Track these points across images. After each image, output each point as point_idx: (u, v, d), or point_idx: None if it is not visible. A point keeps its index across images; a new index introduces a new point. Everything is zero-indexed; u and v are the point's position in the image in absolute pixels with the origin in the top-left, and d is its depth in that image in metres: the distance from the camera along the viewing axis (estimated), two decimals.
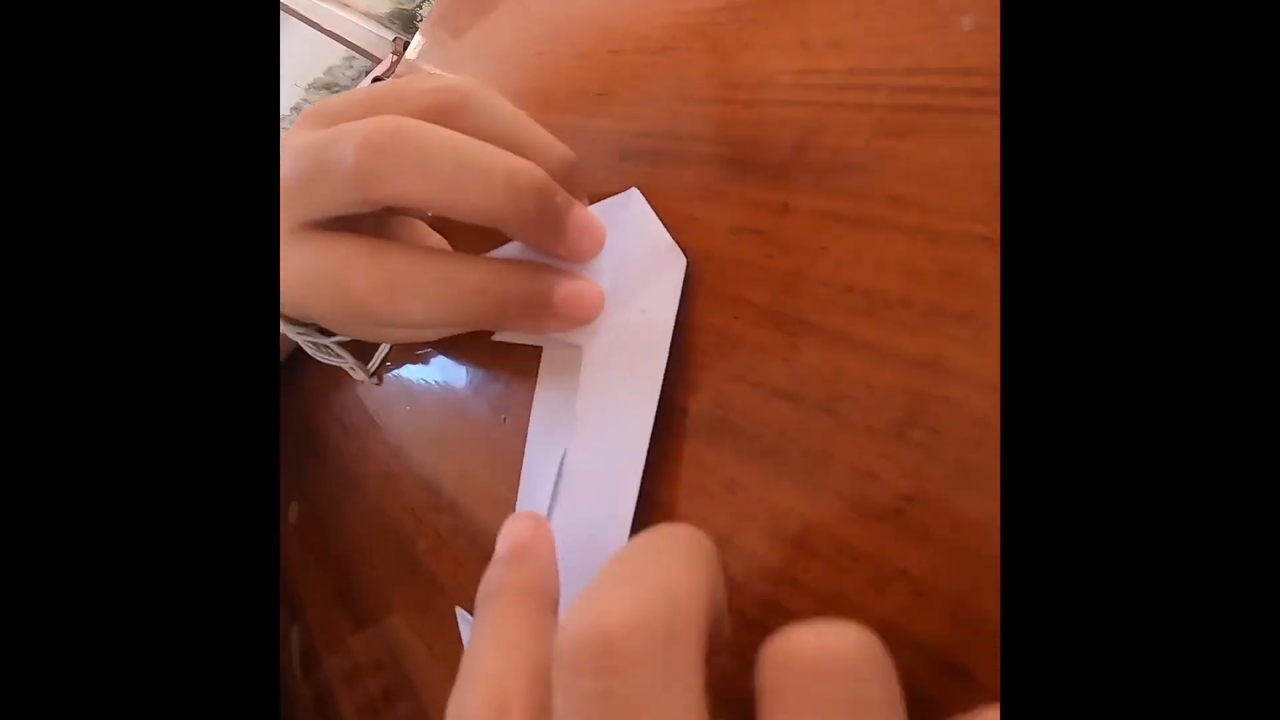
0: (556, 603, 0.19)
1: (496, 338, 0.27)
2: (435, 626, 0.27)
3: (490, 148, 0.22)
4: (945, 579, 0.15)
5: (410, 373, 0.33)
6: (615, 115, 0.28)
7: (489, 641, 0.17)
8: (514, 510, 0.24)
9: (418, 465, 0.31)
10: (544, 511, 0.23)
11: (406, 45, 0.54)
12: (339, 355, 0.34)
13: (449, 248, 0.29)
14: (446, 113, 0.24)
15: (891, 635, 0.15)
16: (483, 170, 0.21)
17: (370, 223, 0.26)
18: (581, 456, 0.22)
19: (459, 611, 0.26)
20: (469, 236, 0.26)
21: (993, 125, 0.17)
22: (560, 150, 0.25)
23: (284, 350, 0.38)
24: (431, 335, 0.28)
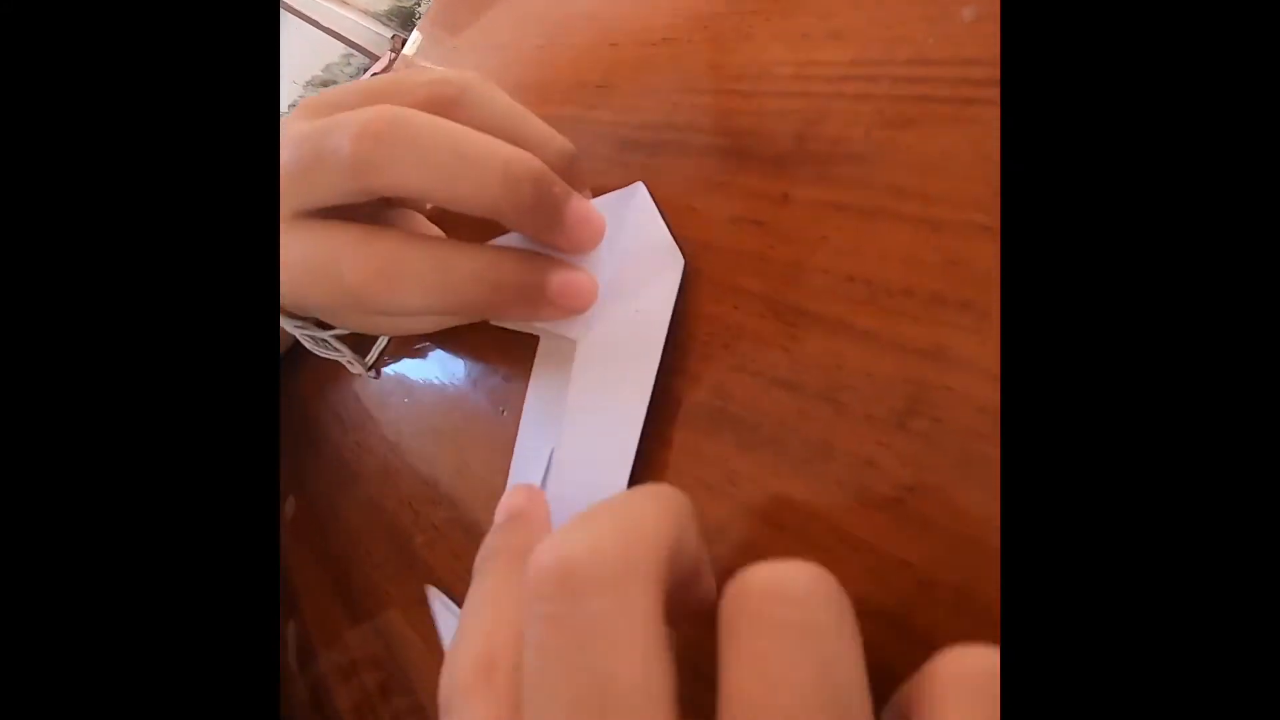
0: None
1: (494, 322, 0.27)
2: (432, 621, 0.27)
3: (488, 138, 0.22)
4: (947, 569, 0.15)
5: (408, 366, 0.33)
6: (615, 107, 0.28)
7: (482, 602, 0.17)
8: None
9: (415, 458, 0.31)
10: None
11: (404, 42, 0.54)
12: (336, 349, 0.34)
13: (445, 237, 0.29)
14: (444, 104, 0.24)
15: (893, 626, 0.15)
16: (479, 160, 0.21)
17: (366, 213, 0.26)
18: (571, 451, 0.22)
19: (429, 590, 0.26)
20: (467, 229, 0.26)
21: (993, 115, 0.17)
22: (559, 142, 0.25)
23: (282, 344, 0.38)
24: (428, 325, 0.28)
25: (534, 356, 0.26)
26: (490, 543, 0.19)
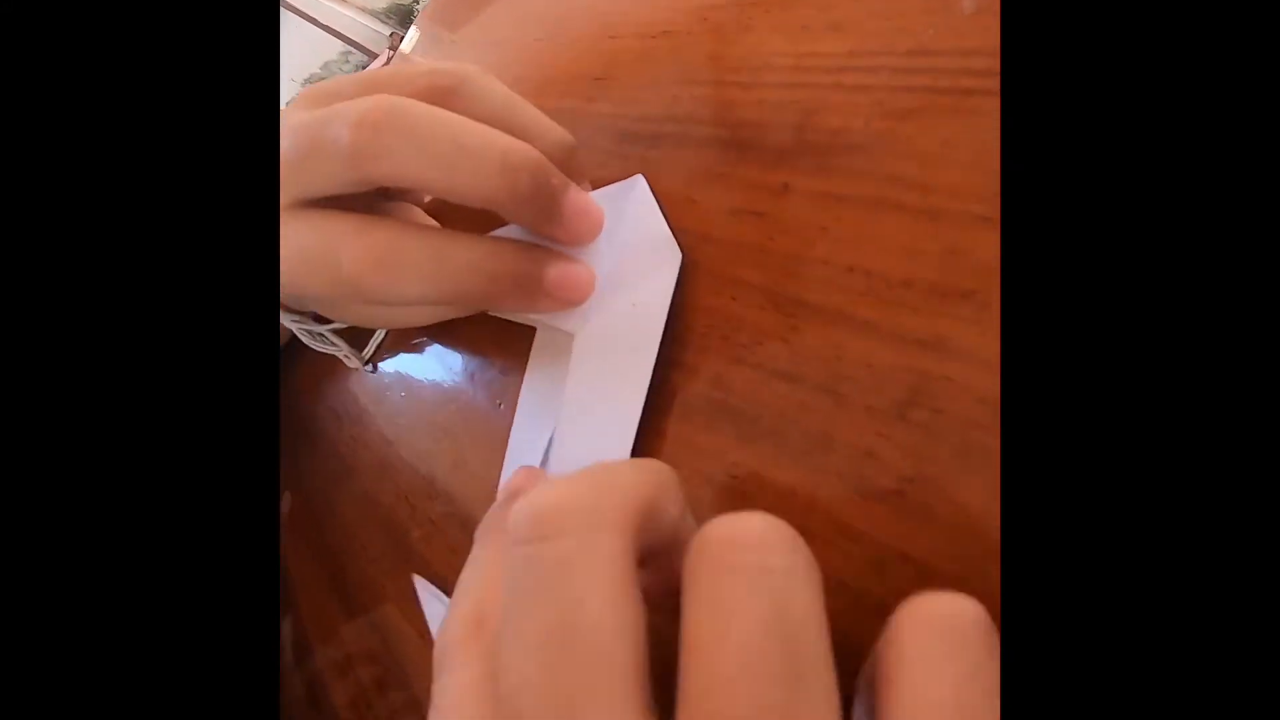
0: None
1: (492, 313, 0.27)
2: None
3: (486, 128, 0.22)
4: (947, 561, 0.15)
5: (405, 360, 0.33)
6: (614, 100, 0.28)
7: (476, 569, 0.18)
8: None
9: (412, 453, 0.30)
10: None
11: (403, 40, 0.54)
12: (333, 343, 0.34)
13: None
14: (442, 94, 0.24)
15: None
16: (478, 150, 0.21)
17: (364, 204, 0.26)
18: (568, 443, 0.22)
19: (416, 579, 0.26)
20: (465, 222, 0.26)
21: (993, 106, 0.17)
22: (558, 133, 0.25)
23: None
24: (425, 317, 0.28)
25: (530, 350, 0.26)
26: (489, 517, 0.20)
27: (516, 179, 0.21)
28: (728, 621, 0.12)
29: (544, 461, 0.23)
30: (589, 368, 0.22)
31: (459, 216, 0.27)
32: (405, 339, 0.33)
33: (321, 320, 0.34)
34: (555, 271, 0.22)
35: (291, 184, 0.23)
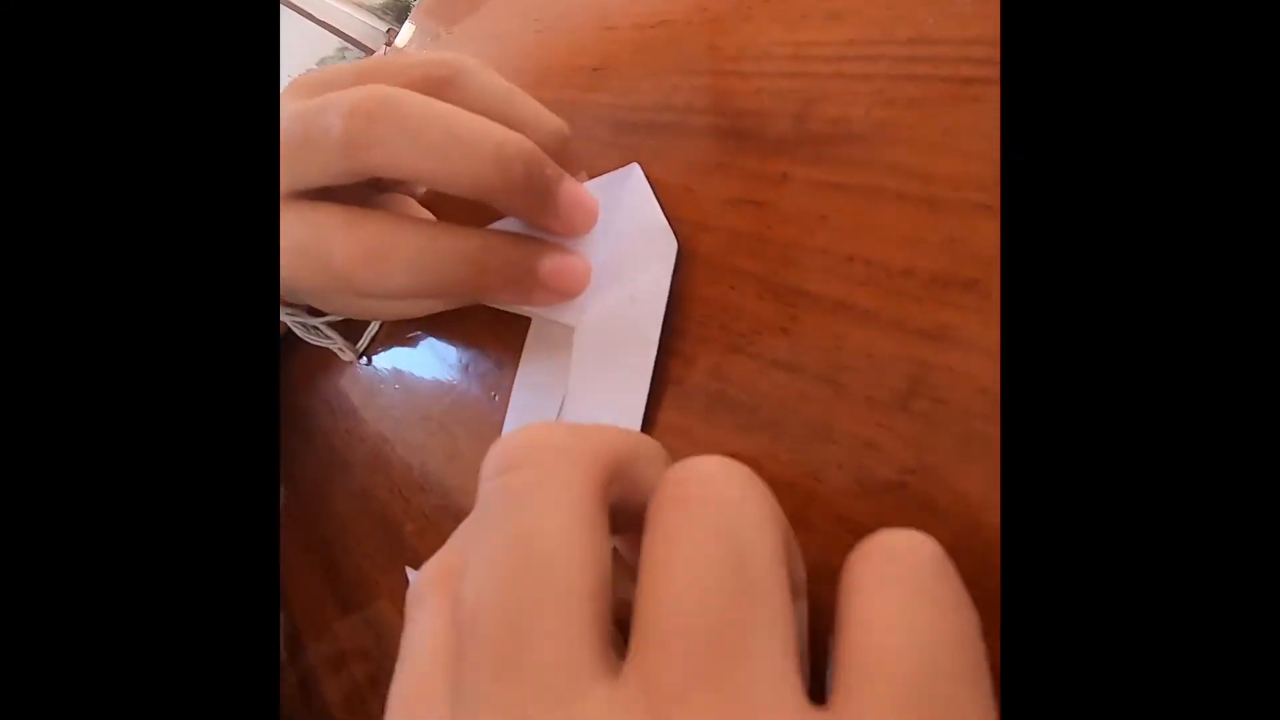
0: None
1: (489, 305, 0.26)
2: None
3: (480, 119, 0.22)
4: (949, 552, 0.15)
5: (399, 353, 0.33)
6: (612, 90, 0.27)
7: (459, 531, 0.17)
8: None
9: (406, 446, 0.30)
10: None
11: (398, 35, 0.53)
12: (328, 336, 0.33)
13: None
14: (437, 84, 0.23)
15: None
16: (471, 140, 0.21)
17: (357, 196, 0.26)
18: None
19: (410, 572, 0.26)
20: (461, 215, 0.26)
21: (994, 95, 0.17)
22: (553, 123, 0.25)
23: None
24: (419, 309, 0.28)
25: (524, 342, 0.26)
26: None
27: (510, 169, 0.21)
28: (677, 545, 0.12)
29: None
30: (591, 361, 0.22)
31: (454, 209, 0.27)
32: (399, 332, 0.33)
33: (315, 313, 0.33)
34: (549, 263, 0.22)
35: (284, 174, 0.23)
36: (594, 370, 0.22)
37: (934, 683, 0.11)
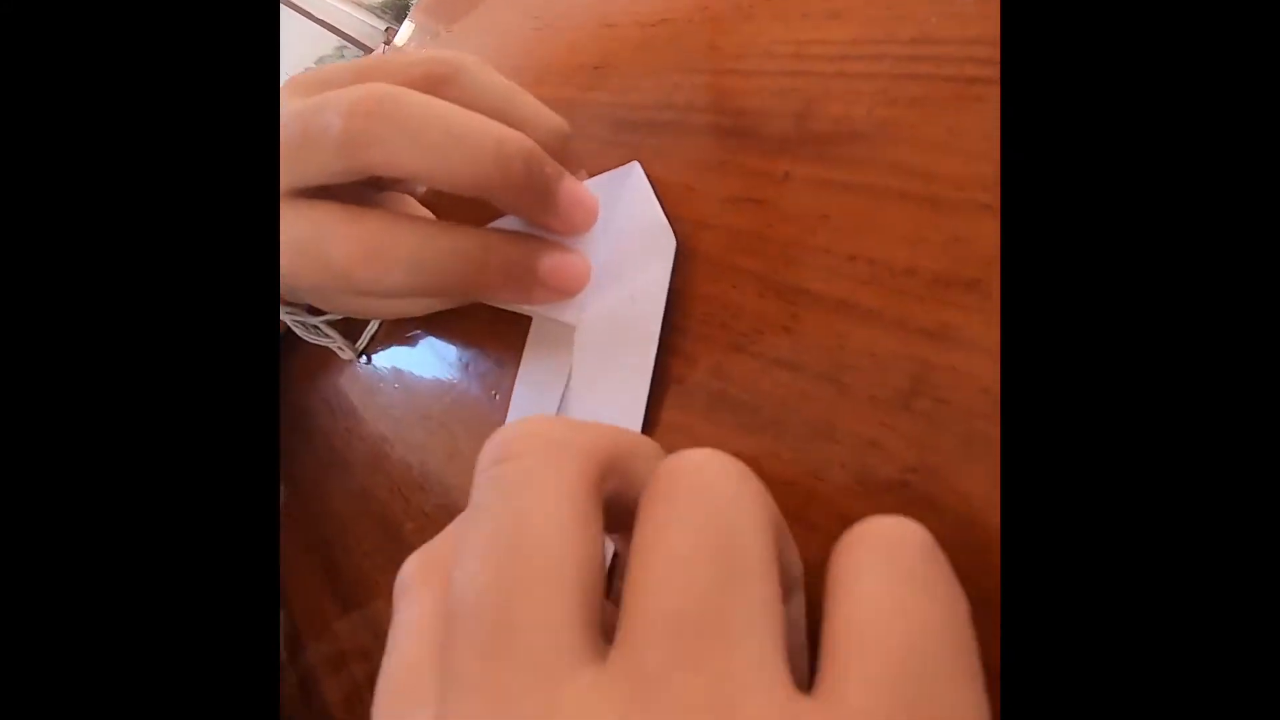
0: None
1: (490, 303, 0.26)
2: None
3: (480, 117, 0.22)
4: (951, 553, 0.15)
5: (399, 352, 0.33)
6: (612, 88, 0.27)
7: (453, 523, 0.18)
8: None
9: (406, 445, 0.30)
10: None
11: (397, 34, 0.53)
12: (327, 335, 0.33)
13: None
14: (436, 82, 0.23)
15: None
16: (471, 138, 0.21)
17: (356, 194, 0.26)
18: None
19: None
20: (461, 214, 0.26)
21: (997, 95, 0.17)
22: (553, 121, 0.25)
23: None
24: (418, 308, 0.28)
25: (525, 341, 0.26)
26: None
27: (510, 168, 0.21)
28: (665, 531, 0.13)
29: None
30: (592, 359, 0.22)
31: (453, 208, 0.27)
32: (399, 331, 0.33)
33: (315, 312, 0.33)
34: (549, 262, 0.22)
35: (283, 173, 0.23)
36: (595, 369, 0.22)
37: (920, 664, 0.11)
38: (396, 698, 0.14)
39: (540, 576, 0.12)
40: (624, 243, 0.22)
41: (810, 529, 0.17)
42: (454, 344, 0.30)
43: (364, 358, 0.34)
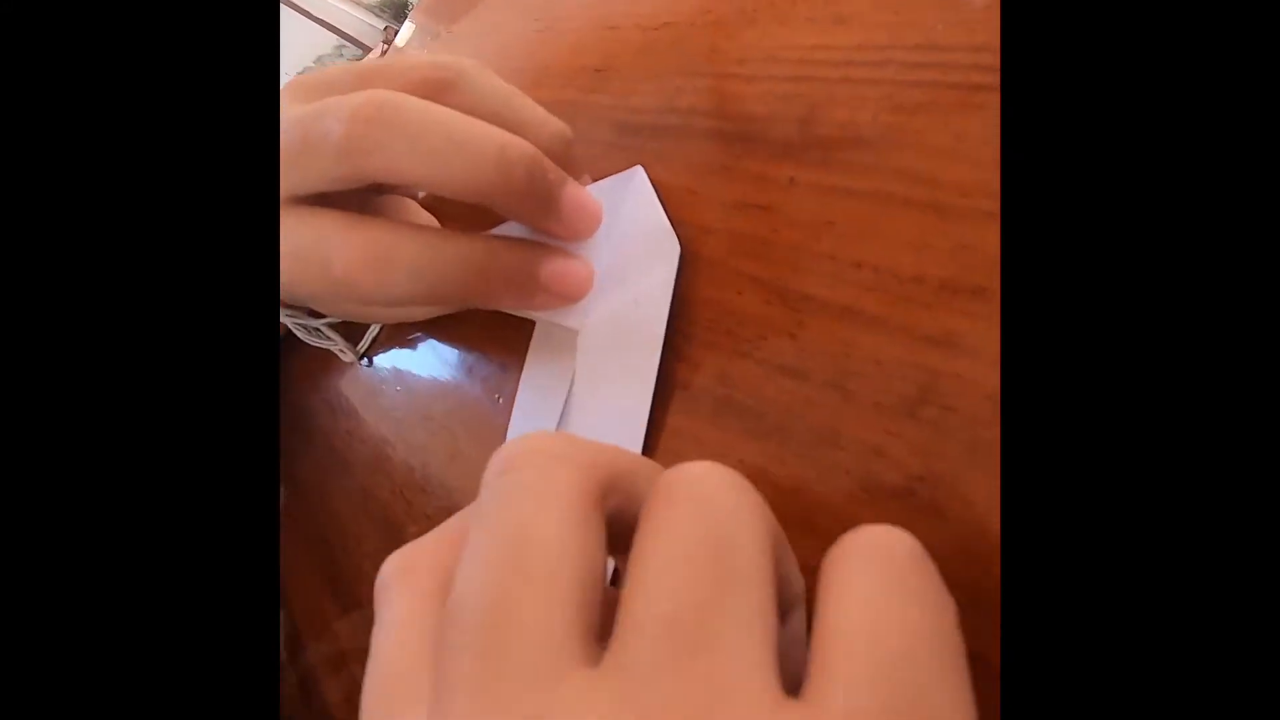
0: None
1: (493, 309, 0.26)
2: None
3: (481, 123, 0.21)
4: (957, 560, 0.15)
5: (401, 354, 0.33)
6: (614, 91, 0.27)
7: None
8: None
9: (408, 447, 0.30)
10: None
11: (397, 34, 0.53)
12: (328, 337, 0.33)
13: (438, 225, 0.29)
14: (438, 88, 0.23)
15: None
16: (473, 145, 0.21)
17: (358, 200, 0.26)
18: None
19: None
20: (462, 219, 0.26)
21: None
22: (555, 126, 0.25)
23: None
24: (419, 314, 0.28)
25: (528, 344, 0.26)
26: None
27: (513, 174, 0.21)
28: (661, 538, 0.13)
29: None
30: (595, 364, 0.22)
31: (455, 211, 0.27)
32: (401, 334, 0.33)
33: (316, 315, 0.33)
34: (551, 268, 0.22)
35: (284, 179, 0.23)
36: (598, 373, 0.22)
37: (905, 668, 0.11)
38: (386, 698, 0.14)
39: (537, 580, 0.12)
40: (628, 247, 0.22)
41: (816, 536, 0.17)
42: (456, 347, 0.29)
43: (365, 360, 0.34)
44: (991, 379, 0.15)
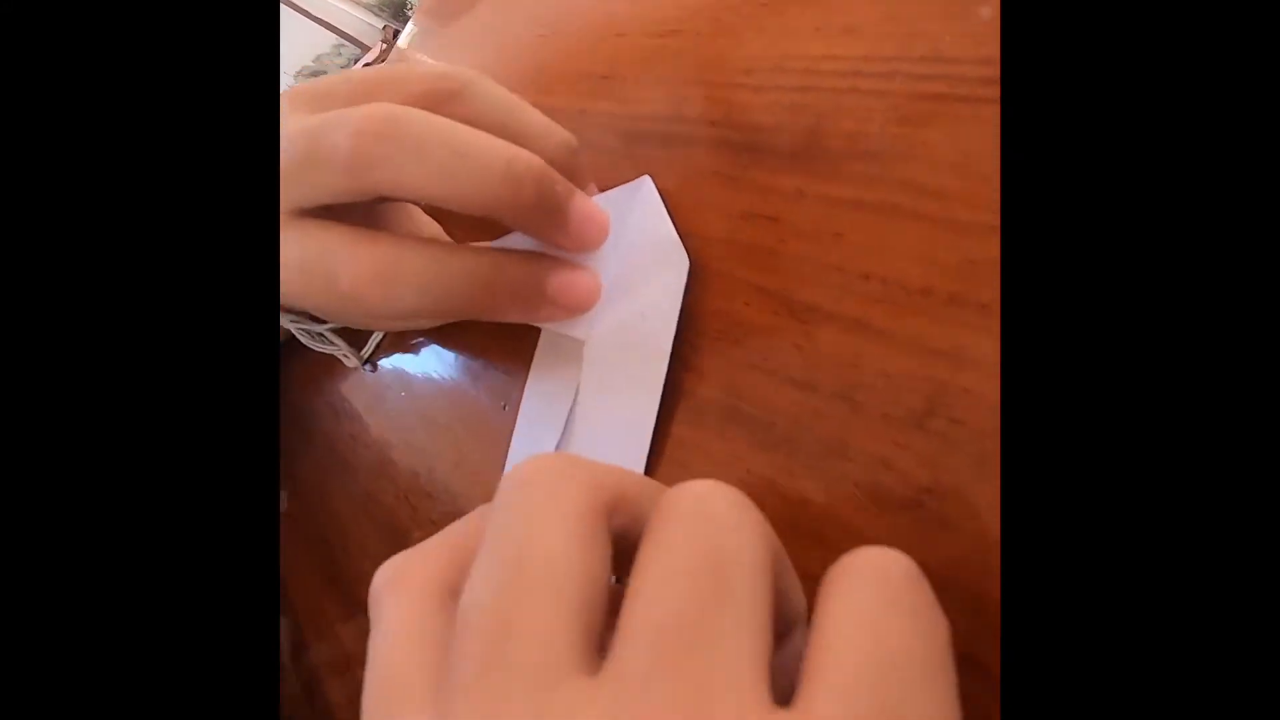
0: None
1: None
2: None
3: (488, 136, 0.21)
4: (965, 572, 0.15)
5: (405, 359, 0.33)
6: (620, 99, 0.27)
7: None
8: None
9: (412, 452, 0.30)
10: None
11: (397, 34, 0.53)
12: (331, 342, 0.33)
13: (444, 235, 0.29)
14: (442, 99, 0.23)
15: None
16: (480, 159, 0.21)
17: (363, 212, 0.25)
18: (582, 453, 0.22)
19: None
20: (467, 231, 0.26)
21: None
22: (560, 135, 0.25)
23: None
24: (422, 325, 0.28)
25: (534, 351, 0.26)
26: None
27: (520, 187, 0.21)
28: (661, 552, 0.13)
29: None
30: (601, 375, 0.22)
31: (460, 219, 0.27)
32: (404, 339, 0.33)
33: (318, 320, 0.33)
34: (558, 281, 0.22)
35: (289, 192, 0.23)
36: (604, 384, 0.22)
37: (893, 680, 0.12)
38: (385, 703, 0.15)
39: (541, 591, 0.13)
40: (635, 258, 0.22)
41: (823, 547, 0.17)
42: (461, 353, 0.30)
43: (368, 366, 0.34)
44: (998, 392, 0.15)
